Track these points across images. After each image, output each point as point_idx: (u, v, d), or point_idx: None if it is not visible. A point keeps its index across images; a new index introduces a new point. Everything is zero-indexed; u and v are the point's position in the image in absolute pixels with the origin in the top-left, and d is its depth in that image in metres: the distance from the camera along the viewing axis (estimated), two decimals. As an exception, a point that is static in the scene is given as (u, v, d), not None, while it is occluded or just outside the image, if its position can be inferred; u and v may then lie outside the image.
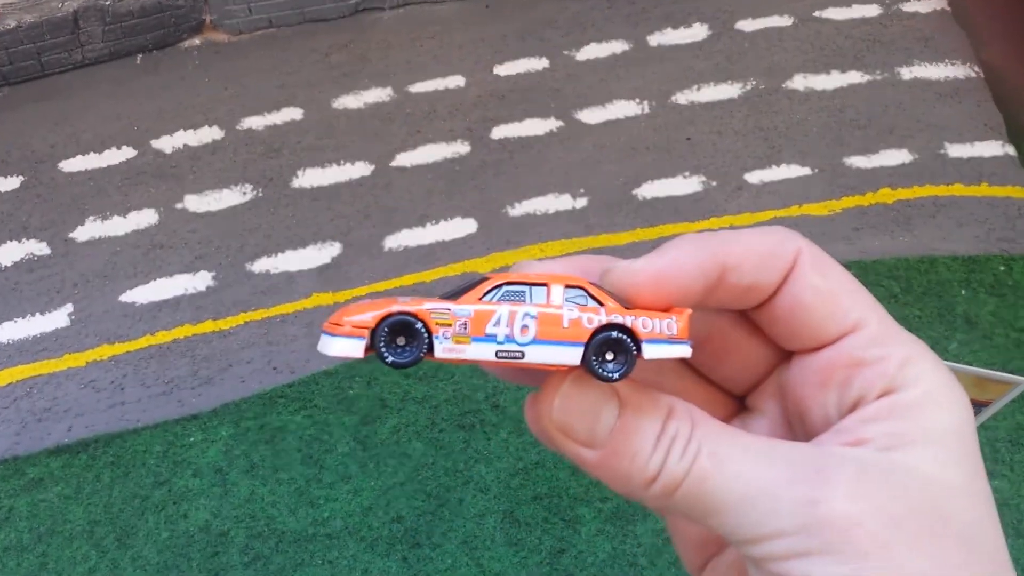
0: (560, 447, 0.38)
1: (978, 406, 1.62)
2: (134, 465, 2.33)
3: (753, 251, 0.38)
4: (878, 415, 0.36)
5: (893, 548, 0.33)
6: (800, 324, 0.38)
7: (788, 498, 0.34)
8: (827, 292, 0.38)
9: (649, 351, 0.36)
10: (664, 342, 0.37)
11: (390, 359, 0.35)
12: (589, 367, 0.36)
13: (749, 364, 0.42)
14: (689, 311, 0.37)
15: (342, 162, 3.00)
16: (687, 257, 0.37)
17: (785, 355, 0.41)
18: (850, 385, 0.37)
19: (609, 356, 0.36)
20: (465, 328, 0.36)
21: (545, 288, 0.37)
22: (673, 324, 0.37)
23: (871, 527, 0.33)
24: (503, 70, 3.27)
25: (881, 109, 3.07)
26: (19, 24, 3.10)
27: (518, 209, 2.84)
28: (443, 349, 0.35)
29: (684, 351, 0.37)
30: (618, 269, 0.37)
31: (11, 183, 2.98)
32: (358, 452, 2.34)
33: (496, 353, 0.35)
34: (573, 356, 0.36)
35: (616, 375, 0.36)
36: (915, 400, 0.36)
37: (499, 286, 0.37)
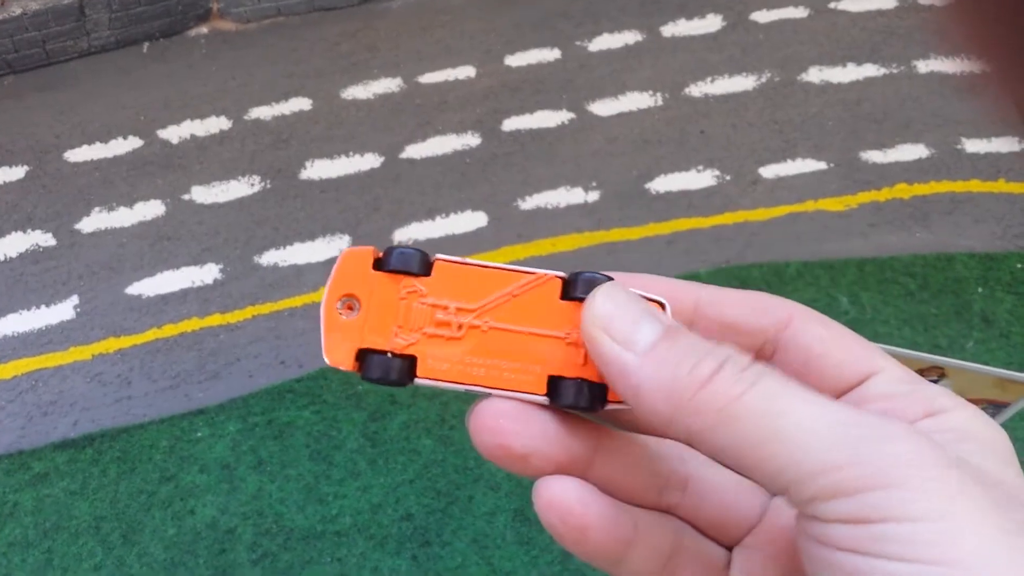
0: (598, 348, 0.34)
1: (997, 407, 1.60)
2: (140, 460, 2.31)
3: (745, 304, 0.36)
4: (927, 430, 0.32)
5: (968, 501, 0.29)
6: (814, 376, 0.35)
7: (856, 435, 0.30)
8: (835, 339, 0.35)
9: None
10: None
11: None
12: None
13: None
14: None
15: (351, 153, 2.97)
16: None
17: None
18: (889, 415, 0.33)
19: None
20: None
21: None
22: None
23: (950, 485, 0.29)
24: (514, 61, 3.23)
25: (898, 103, 3.03)
26: (24, 11, 3.06)
27: (529, 202, 2.81)
28: None
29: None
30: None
31: (16, 173, 2.95)
32: (367, 449, 2.31)
33: None
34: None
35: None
36: (961, 418, 0.34)
37: None
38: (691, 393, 0.31)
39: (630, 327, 0.33)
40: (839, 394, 0.34)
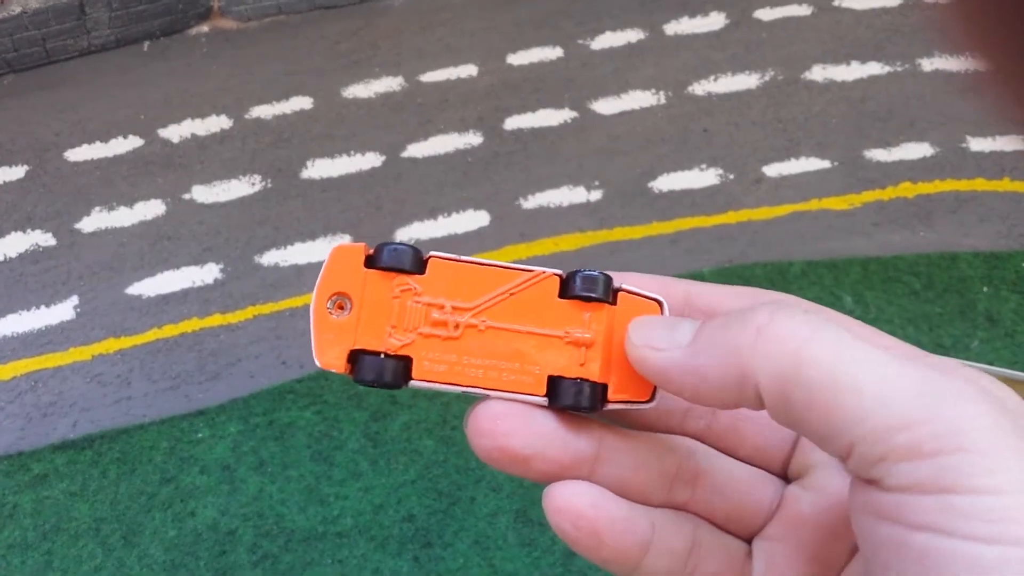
0: (651, 364, 0.33)
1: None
2: (140, 462, 2.30)
3: (735, 298, 0.36)
4: None
5: None
6: None
7: (935, 391, 0.27)
8: None
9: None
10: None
11: None
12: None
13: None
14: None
15: (352, 153, 2.96)
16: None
17: None
18: None
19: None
20: None
21: None
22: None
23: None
24: (516, 59, 3.22)
25: (902, 101, 3.01)
26: (24, 10, 3.05)
27: (531, 201, 2.80)
28: None
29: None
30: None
31: (16, 172, 2.94)
32: (368, 449, 2.30)
33: None
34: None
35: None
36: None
37: None
38: (752, 339, 0.29)
39: (669, 332, 0.33)
40: None
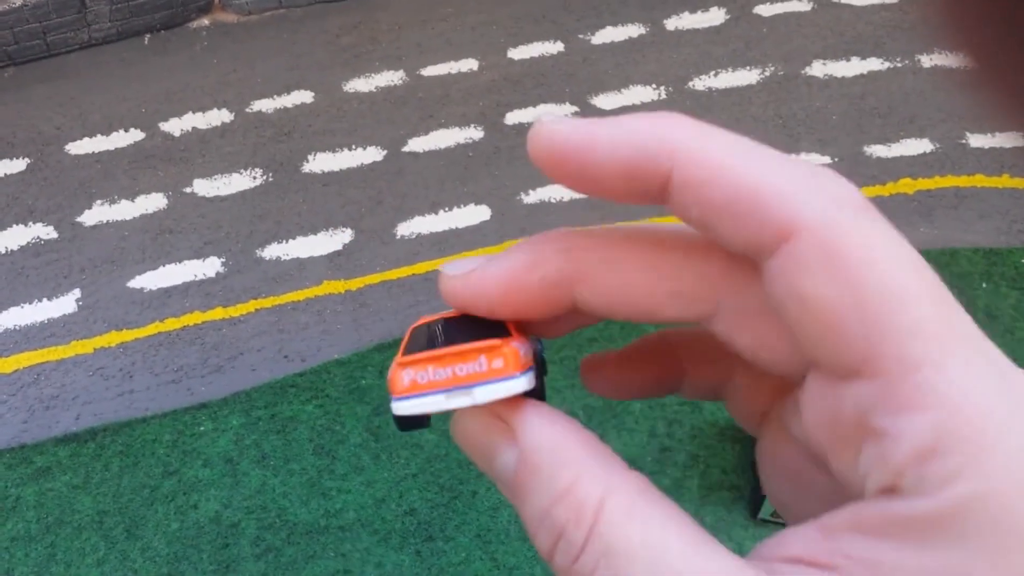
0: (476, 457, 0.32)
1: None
2: (143, 454, 2.30)
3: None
4: None
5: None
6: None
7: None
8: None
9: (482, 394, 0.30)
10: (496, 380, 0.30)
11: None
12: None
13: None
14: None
15: (353, 147, 2.96)
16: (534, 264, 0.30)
17: None
18: None
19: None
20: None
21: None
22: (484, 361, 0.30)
23: None
24: (517, 54, 3.22)
25: (902, 97, 3.02)
26: (25, 3, 3.04)
27: (532, 196, 2.80)
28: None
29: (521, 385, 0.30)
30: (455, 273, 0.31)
31: (17, 165, 2.94)
32: (370, 443, 2.30)
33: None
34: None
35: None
36: None
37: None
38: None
39: (486, 461, 0.31)
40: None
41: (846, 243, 0.24)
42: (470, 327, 0.31)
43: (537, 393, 0.31)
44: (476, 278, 0.30)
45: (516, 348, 0.30)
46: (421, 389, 0.30)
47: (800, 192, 0.25)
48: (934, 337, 0.23)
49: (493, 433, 0.30)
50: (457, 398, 0.30)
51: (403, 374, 0.31)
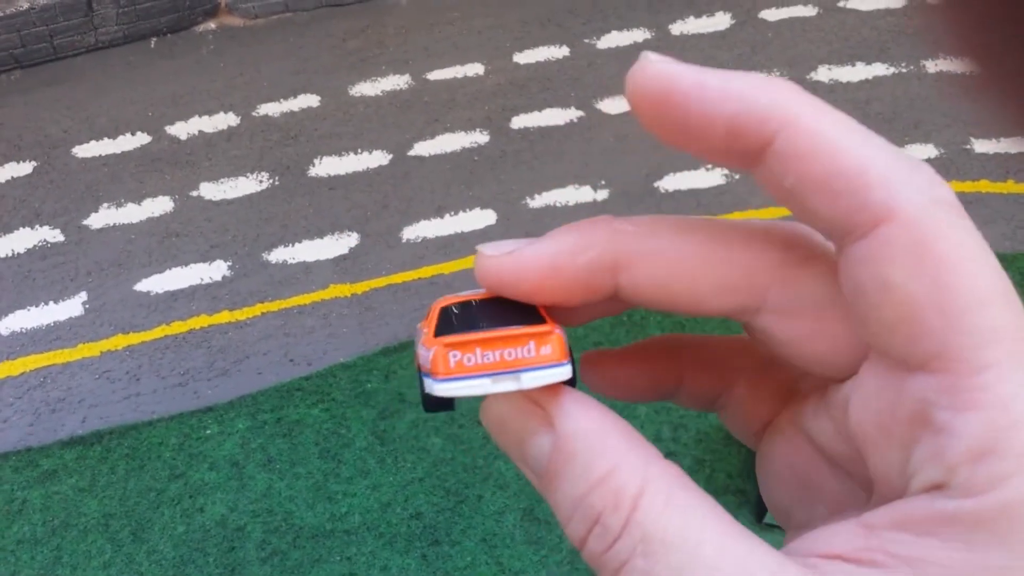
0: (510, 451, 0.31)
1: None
2: (149, 458, 2.31)
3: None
4: None
5: None
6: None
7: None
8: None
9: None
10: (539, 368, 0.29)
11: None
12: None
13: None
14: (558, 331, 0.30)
15: (359, 151, 2.96)
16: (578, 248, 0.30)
17: None
18: None
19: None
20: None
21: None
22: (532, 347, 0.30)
23: None
24: (523, 58, 3.22)
25: (907, 103, 3.02)
26: (32, 6, 3.05)
27: (538, 200, 2.81)
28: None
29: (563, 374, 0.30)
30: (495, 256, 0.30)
31: (24, 168, 2.95)
32: (376, 447, 2.30)
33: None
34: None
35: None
36: None
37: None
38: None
39: (518, 450, 0.31)
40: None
41: (939, 238, 0.24)
42: (504, 310, 0.31)
43: (572, 382, 0.30)
44: (516, 259, 0.30)
45: (562, 335, 0.30)
46: (467, 371, 0.30)
47: (902, 181, 0.25)
48: (1006, 342, 0.23)
49: (529, 418, 0.30)
50: (503, 383, 0.29)
51: (450, 355, 0.30)
